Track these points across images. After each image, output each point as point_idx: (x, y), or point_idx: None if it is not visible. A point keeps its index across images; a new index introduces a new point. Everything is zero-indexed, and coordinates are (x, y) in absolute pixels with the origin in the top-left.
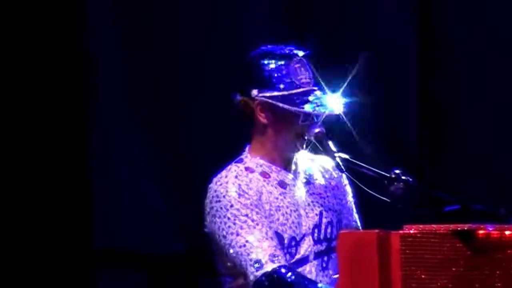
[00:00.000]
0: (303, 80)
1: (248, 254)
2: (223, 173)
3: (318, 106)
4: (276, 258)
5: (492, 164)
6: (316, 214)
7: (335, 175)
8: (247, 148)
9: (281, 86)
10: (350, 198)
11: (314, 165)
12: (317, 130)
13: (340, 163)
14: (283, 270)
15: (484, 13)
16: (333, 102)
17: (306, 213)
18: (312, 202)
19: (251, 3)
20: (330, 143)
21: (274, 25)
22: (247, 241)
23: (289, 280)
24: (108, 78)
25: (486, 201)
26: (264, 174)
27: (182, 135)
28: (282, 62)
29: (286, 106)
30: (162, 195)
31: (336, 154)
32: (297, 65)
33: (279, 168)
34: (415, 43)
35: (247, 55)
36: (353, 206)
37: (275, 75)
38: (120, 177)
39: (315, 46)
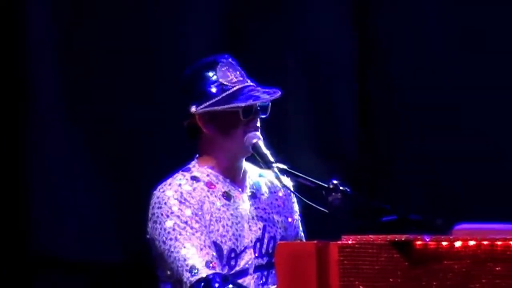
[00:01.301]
0: (234, 79)
1: (185, 260)
2: (168, 180)
3: (252, 96)
4: (212, 265)
5: (430, 171)
6: (260, 228)
7: (283, 192)
8: (195, 158)
9: (214, 91)
10: (296, 216)
11: (263, 180)
12: (254, 140)
13: (278, 173)
14: (217, 279)
15: (420, 13)
16: (267, 90)
17: (249, 226)
18: (257, 216)
19: (188, 21)
20: (268, 153)
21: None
22: (184, 247)
23: None
24: (45, 80)
25: (424, 212)
26: (209, 185)
27: (121, 143)
28: (209, 71)
29: (221, 107)
30: (100, 203)
31: (274, 164)
32: (224, 68)
33: (226, 180)
34: (353, 51)
35: (179, 78)
36: (299, 225)
37: (206, 84)
38: (58, 184)
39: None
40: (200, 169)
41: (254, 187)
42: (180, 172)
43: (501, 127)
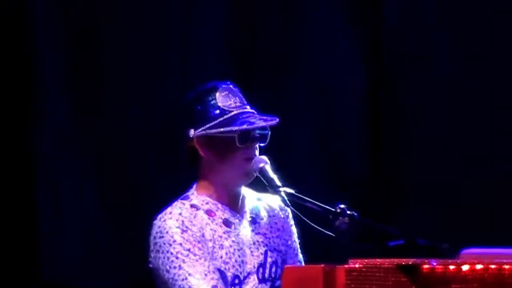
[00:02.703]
0: (233, 105)
1: (190, 287)
2: (168, 209)
3: (247, 122)
4: None
5: (440, 196)
6: (261, 253)
7: (282, 215)
8: (194, 186)
9: (212, 115)
10: (295, 238)
11: (261, 204)
12: (261, 164)
13: (285, 198)
14: None
15: (432, 43)
16: (265, 117)
17: (251, 251)
18: (258, 241)
19: (197, 45)
20: (275, 178)
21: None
22: (189, 275)
23: None
24: (54, 102)
25: (433, 233)
26: (209, 212)
27: (133, 168)
28: (209, 96)
29: (215, 130)
30: (109, 229)
31: (281, 189)
32: (223, 93)
33: (225, 207)
34: (363, 76)
35: (179, 103)
36: (298, 247)
37: (205, 109)
38: (67, 208)
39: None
40: (199, 197)
41: (254, 212)
42: (179, 200)
43: None
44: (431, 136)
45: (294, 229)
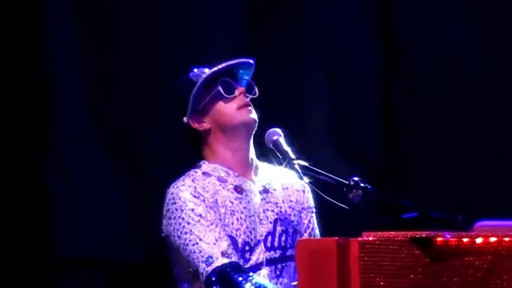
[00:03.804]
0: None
1: (200, 252)
2: (181, 178)
3: (221, 67)
4: (228, 255)
5: (452, 171)
6: (270, 222)
7: (298, 189)
8: (204, 159)
9: (193, 92)
10: (311, 212)
11: (276, 176)
12: (275, 137)
13: (299, 170)
14: (233, 267)
15: (444, 17)
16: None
17: (260, 220)
18: (267, 209)
19: (209, 20)
20: (289, 150)
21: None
22: (200, 239)
23: (234, 279)
24: (66, 79)
25: (445, 208)
26: (221, 179)
27: (143, 142)
28: (192, 84)
29: (197, 88)
30: (121, 203)
31: (295, 161)
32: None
33: (235, 174)
34: (375, 53)
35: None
36: (315, 221)
37: (187, 94)
38: (79, 184)
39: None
40: (210, 166)
41: (266, 182)
42: (192, 169)
43: None
44: (443, 110)
45: (311, 203)
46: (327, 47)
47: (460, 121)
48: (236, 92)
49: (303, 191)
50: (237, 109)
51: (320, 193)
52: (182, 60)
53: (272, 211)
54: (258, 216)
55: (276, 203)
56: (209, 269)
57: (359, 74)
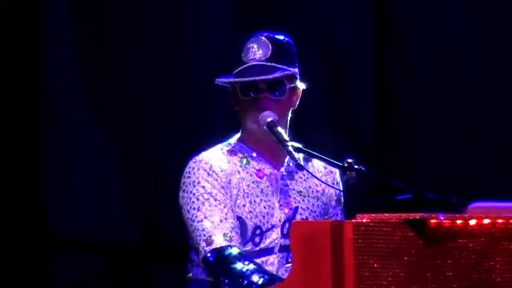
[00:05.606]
0: (250, 57)
1: (203, 230)
2: (204, 152)
3: (243, 76)
4: (229, 238)
5: (445, 152)
6: (291, 209)
7: (327, 180)
8: (239, 133)
9: (233, 68)
10: (337, 206)
11: (307, 164)
12: (269, 119)
13: (292, 152)
14: (231, 251)
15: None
16: (265, 70)
17: (280, 205)
18: (290, 196)
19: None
20: (283, 132)
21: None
22: (205, 217)
23: (230, 262)
24: (61, 58)
25: (439, 190)
26: (244, 160)
27: (138, 120)
28: (242, 45)
29: (221, 79)
30: (117, 182)
31: (288, 143)
32: (250, 45)
33: (260, 157)
34: (370, 33)
35: None
36: (338, 214)
37: (234, 61)
38: (74, 163)
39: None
40: (238, 144)
41: (293, 169)
42: (220, 144)
43: None
44: (437, 85)
45: (340, 196)
46: (321, 24)
47: (455, 97)
48: (255, 94)
49: (333, 184)
50: (255, 109)
51: (312, 174)
52: (176, 41)
53: (295, 198)
54: (279, 201)
55: (301, 191)
56: (208, 249)
57: (354, 49)
